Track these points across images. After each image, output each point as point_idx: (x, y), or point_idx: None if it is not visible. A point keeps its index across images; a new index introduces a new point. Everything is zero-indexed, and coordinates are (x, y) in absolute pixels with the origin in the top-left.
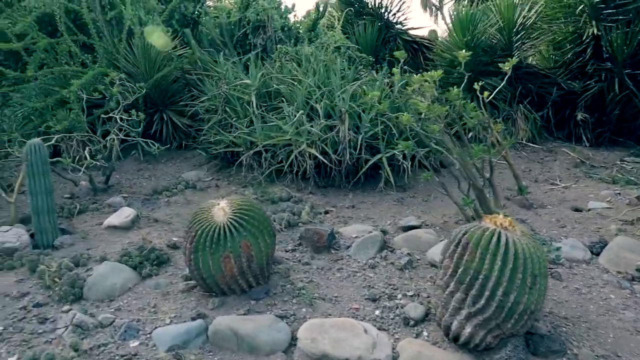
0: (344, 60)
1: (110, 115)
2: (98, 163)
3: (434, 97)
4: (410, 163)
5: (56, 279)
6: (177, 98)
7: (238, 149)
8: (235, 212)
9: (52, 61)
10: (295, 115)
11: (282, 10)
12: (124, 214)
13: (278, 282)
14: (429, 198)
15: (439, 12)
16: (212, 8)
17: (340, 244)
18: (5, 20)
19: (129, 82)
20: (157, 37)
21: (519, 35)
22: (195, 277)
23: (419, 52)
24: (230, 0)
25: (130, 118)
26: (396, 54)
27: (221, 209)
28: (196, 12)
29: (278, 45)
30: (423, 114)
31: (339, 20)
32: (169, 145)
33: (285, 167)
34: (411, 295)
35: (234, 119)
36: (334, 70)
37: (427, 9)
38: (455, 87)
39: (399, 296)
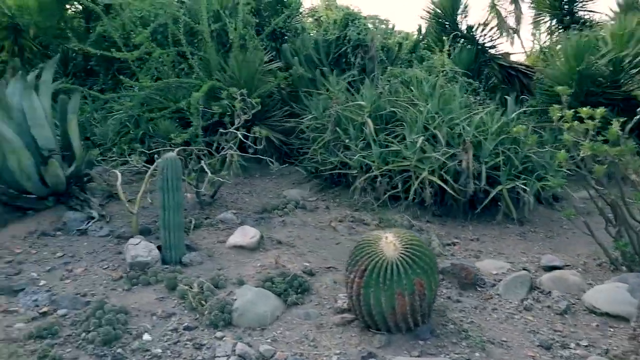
0: (454, 85)
1: (227, 130)
2: (217, 177)
3: (591, 135)
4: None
5: (202, 302)
6: (270, 113)
7: (348, 171)
8: (406, 248)
9: (161, 71)
10: (415, 141)
11: (384, 30)
12: (249, 234)
13: (438, 320)
14: (552, 234)
15: (515, 35)
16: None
17: (486, 281)
18: (116, 32)
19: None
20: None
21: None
22: (360, 312)
23: (516, 78)
24: (328, 16)
25: (249, 134)
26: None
27: (391, 244)
28: (285, 27)
29: (388, 67)
30: (581, 151)
31: (436, 42)
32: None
33: (401, 192)
34: (585, 346)
35: (345, 140)
36: (452, 96)
37: (504, 31)
38: (614, 122)
39: (572, 345)
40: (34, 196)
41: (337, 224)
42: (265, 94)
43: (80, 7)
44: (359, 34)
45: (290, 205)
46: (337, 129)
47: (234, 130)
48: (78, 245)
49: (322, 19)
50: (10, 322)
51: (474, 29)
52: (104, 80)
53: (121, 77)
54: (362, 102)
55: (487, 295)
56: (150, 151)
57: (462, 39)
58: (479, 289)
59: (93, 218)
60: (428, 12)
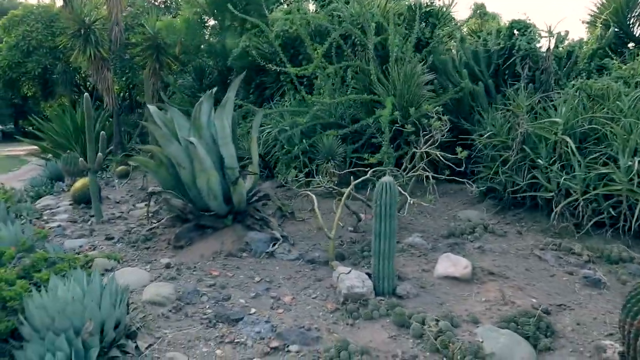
0: None
1: (417, 149)
2: (421, 202)
3: None
4: None
5: (446, 344)
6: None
7: (540, 193)
8: None
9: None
10: (630, 164)
11: (556, 37)
12: (461, 264)
13: None
14: None
15: None
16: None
17: None
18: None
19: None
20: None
21: None
22: None
23: None
24: (482, 25)
25: (446, 154)
26: None
27: None
28: (432, 37)
29: (566, 79)
30: None
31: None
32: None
33: (606, 219)
34: None
35: (537, 160)
36: None
37: None
38: None
39: None
40: (213, 214)
41: (540, 252)
42: (429, 109)
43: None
44: (528, 42)
45: (479, 229)
46: (524, 147)
47: (432, 151)
48: (270, 269)
49: (478, 28)
50: (245, 356)
51: None
52: (245, 95)
53: (302, 92)
54: (557, 119)
55: None
56: (342, 172)
57: (635, 43)
58: None
59: (277, 240)
60: (596, 16)
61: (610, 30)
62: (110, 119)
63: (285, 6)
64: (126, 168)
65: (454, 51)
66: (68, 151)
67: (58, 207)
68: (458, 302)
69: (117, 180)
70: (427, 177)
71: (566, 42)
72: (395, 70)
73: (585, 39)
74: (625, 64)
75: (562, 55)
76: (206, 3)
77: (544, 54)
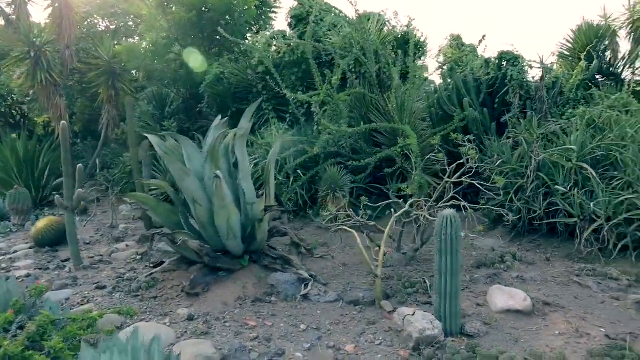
0: None
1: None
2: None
3: None
4: None
5: None
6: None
7: (560, 219)
8: None
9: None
10: None
11: (544, 69)
12: (519, 297)
13: None
14: None
15: None
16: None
17: None
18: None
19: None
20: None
21: None
22: None
23: None
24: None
25: (489, 184)
26: None
27: None
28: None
29: (565, 108)
30: None
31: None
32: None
33: (629, 242)
34: None
35: (556, 187)
36: None
37: None
38: None
39: None
40: (228, 255)
41: (578, 279)
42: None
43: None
44: (519, 73)
45: (509, 258)
46: (539, 174)
47: (474, 181)
48: (311, 314)
49: (462, 59)
50: None
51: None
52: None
53: (300, 121)
54: (572, 146)
55: None
56: (377, 206)
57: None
58: None
59: (306, 280)
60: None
61: (594, 62)
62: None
63: (265, 32)
64: (84, 204)
65: (438, 81)
66: (16, 186)
67: (14, 251)
68: (532, 337)
69: (77, 218)
70: (463, 206)
71: (552, 73)
72: (396, 98)
73: (566, 71)
74: (608, 95)
75: (549, 85)
76: (174, 27)
77: (535, 84)
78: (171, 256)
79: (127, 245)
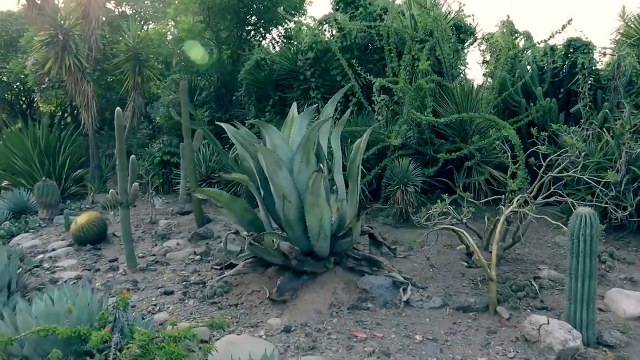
0: None
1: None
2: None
3: None
4: None
5: None
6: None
7: None
8: None
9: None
10: None
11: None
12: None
13: None
14: None
15: None
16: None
17: None
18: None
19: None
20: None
21: None
22: None
23: None
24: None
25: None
26: None
27: None
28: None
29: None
30: None
31: None
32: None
33: None
34: None
35: None
36: None
37: None
38: None
39: None
40: (313, 257)
41: None
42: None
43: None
44: (590, 61)
45: (606, 257)
46: (631, 167)
47: (582, 175)
48: (420, 322)
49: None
50: None
51: None
52: (255, 114)
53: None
54: None
55: None
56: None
57: None
58: None
59: (401, 284)
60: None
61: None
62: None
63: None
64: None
65: (497, 70)
66: (43, 178)
67: (52, 249)
68: None
69: (112, 213)
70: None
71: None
72: (463, 87)
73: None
74: None
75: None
76: (207, 10)
77: (605, 73)
78: (239, 257)
79: (177, 244)
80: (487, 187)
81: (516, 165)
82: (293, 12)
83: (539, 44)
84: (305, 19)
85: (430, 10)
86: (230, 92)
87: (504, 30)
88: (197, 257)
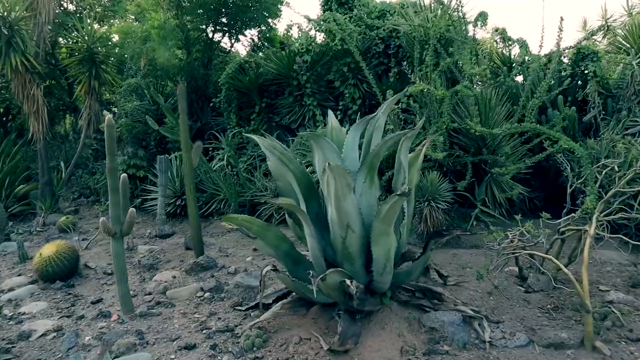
0: None
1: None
2: None
3: None
4: None
5: None
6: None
7: None
8: None
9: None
10: None
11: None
12: None
13: None
14: None
15: None
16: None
17: None
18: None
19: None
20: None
21: None
22: None
23: None
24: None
25: None
26: None
27: None
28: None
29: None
30: None
31: None
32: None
33: None
34: None
35: None
36: None
37: None
38: None
39: None
40: (370, 294)
41: None
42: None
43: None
44: (601, 69)
45: None
46: None
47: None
48: None
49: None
50: None
51: None
52: (237, 122)
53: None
54: None
55: None
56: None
57: None
58: None
59: (471, 318)
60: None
61: None
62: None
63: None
64: (72, 218)
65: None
66: None
67: (9, 289)
68: None
69: (76, 239)
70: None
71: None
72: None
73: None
74: None
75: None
76: (183, 6)
77: (616, 80)
78: (268, 295)
79: (174, 277)
80: (505, 201)
81: (580, 181)
82: (265, 13)
83: (545, 55)
84: (292, 21)
85: (453, 11)
86: (202, 99)
87: (495, 37)
88: (207, 295)
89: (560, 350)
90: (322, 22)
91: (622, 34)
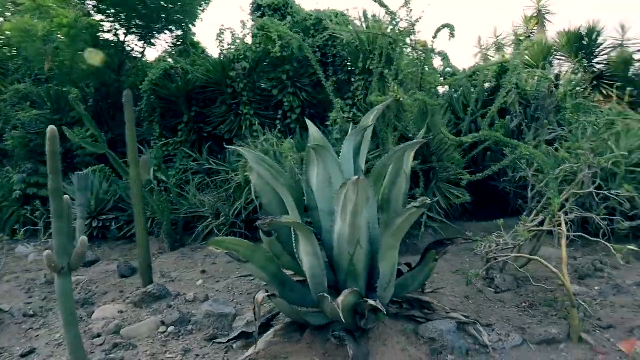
0: None
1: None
2: None
3: None
4: None
5: None
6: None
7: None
8: None
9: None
10: None
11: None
12: None
13: None
14: None
15: None
16: None
17: None
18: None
19: None
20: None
21: None
22: None
23: None
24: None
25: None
26: None
27: None
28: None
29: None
30: None
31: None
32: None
33: None
34: None
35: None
36: None
37: None
38: None
39: None
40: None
41: None
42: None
43: None
44: (521, 81)
45: (602, 266)
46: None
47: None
48: None
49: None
50: None
51: None
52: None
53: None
54: (623, 152)
55: None
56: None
57: None
58: None
59: (464, 324)
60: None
61: (579, 74)
62: None
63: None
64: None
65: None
66: None
67: None
68: None
69: None
70: None
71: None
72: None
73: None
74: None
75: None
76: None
77: (533, 92)
78: (251, 323)
79: (121, 312)
80: (448, 206)
81: (542, 184)
82: (181, 16)
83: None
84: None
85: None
86: (113, 108)
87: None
88: (172, 329)
89: (553, 346)
90: (261, 29)
91: (528, 53)
